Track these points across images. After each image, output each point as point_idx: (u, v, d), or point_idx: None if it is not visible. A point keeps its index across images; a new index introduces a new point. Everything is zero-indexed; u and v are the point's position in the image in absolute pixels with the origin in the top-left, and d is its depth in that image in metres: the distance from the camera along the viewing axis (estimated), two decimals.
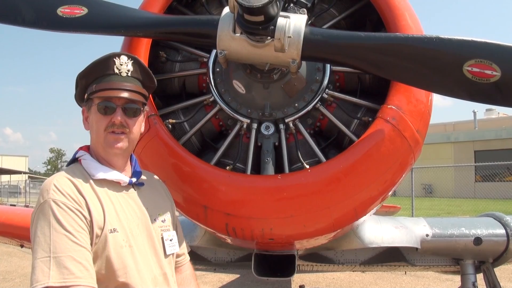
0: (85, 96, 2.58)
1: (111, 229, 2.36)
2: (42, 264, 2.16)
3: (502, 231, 5.22)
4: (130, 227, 2.45)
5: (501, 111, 54.09)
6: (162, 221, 2.68)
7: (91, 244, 2.29)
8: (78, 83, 2.61)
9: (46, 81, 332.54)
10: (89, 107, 2.57)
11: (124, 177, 2.56)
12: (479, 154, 44.51)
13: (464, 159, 42.75)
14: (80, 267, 2.19)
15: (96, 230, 2.31)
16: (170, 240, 2.67)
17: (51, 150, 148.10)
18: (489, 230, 5.23)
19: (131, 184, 2.59)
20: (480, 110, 54.25)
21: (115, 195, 2.49)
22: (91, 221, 2.31)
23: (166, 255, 2.62)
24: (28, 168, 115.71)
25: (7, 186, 64.93)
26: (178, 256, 2.77)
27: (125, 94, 2.50)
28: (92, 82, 2.53)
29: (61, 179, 2.37)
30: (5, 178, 77.09)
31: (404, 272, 7.89)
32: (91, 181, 2.44)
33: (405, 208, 18.36)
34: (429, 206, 28.22)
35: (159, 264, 2.55)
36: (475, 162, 40.25)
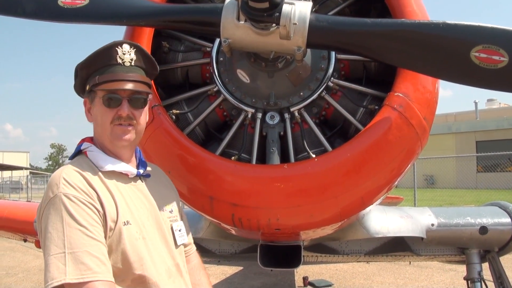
0: (87, 88, 2.48)
1: (124, 222, 2.31)
2: (56, 260, 2.09)
3: (508, 220, 5.21)
4: (141, 219, 2.41)
5: (502, 101, 54.07)
6: (170, 211, 2.65)
7: (105, 238, 2.23)
8: (78, 74, 2.52)
9: (45, 77, 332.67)
10: (92, 98, 2.49)
11: (132, 168, 2.52)
12: (480, 144, 44.44)
13: (465, 150, 42.63)
14: (97, 261, 2.13)
15: (110, 223, 2.26)
16: (179, 231, 2.64)
17: (52, 146, 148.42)
18: (495, 219, 5.22)
19: (138, 176, 2.55)
20: (481, 100, 54.27)
21: (124, 187, 2.44)
22: (104, 214, 2.25)
23: (176, 246, 2.59)
24: (30, 164, 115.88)
25: (8, 182, 64.96)
26: (185, 246, 2.74)
27: (130, 86, 2.42)
28: (94, 73, 2.44)
29: (70, 172, 2.30)
30: (6, 174, 77.14)
31: (409, 262, 7.87)
32: (99, 173, 2.38)
33: (407, 199, 18.38)
34: (431, 197, 28.27)
35: (171, 255, 2.52)
36: (476, 153, 40.15)
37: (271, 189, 2.86)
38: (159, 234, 2.50)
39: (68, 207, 2.17)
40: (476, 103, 50.52)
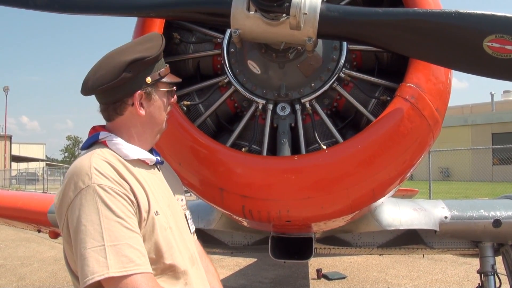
0: (149, 81, 2.40)
1: (155, 212, 2.28)
2: (95, 254, 2.01)
3: None
4: (165, 208, 2.39)
5: None
6: (181, 200, 2.66)
7: (139, 228, 2.19)
8: (130, 68, 2.33)
9: (61, 69, 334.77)
10: (148, 93, 2.42)
11: (152, 156, 2.50)
12: (496, 136, 44.04)
13: (481, 142, 42.20)
14: (138, 253, 2.09)
15: (143, 214, 2.22)
16: (190, 219, 2.65)
17: (68, 138, 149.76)
18: (509, 212, 5.11)
19: (154, 164, 2.53)
20: (497, 92, 53.64)
21: (147, 175, 2.40)
22: (138, 205, 2.21)
23: (191, 234, 2.62)
24: (46, 156, 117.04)
25: (25, 174, 65.76)
26: None
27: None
28: (152, 66, 2.41)
29: (99, 162, 2.21)
30: (23, 165, 77.99)
31: (422, 255, 7.83)
32: (125, 163, 2.31)
33: (422, 192, 18.29)
34: (447, 189, 28.03)
35: (190, 243, 2.53)
36: (492, 145, 39.75)
37: (282, 181, 2.85)
38: (179, 223, 2.49)
39: (104, 199, 2.10)
40: (492, 95, 50.03)
